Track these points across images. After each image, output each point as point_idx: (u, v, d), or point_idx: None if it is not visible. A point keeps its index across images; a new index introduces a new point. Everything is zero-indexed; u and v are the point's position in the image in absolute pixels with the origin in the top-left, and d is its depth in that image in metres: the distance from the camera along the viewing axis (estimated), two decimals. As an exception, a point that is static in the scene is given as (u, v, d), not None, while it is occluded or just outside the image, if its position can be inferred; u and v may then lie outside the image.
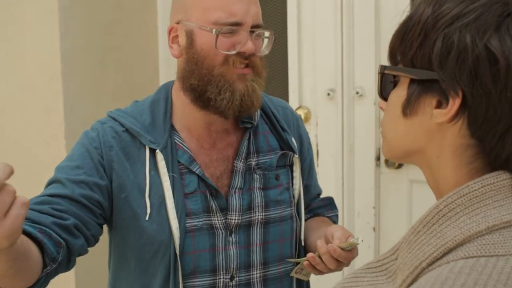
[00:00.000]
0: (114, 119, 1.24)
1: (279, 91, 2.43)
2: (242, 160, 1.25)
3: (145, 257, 1.20)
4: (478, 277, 0.64)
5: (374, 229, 2.27)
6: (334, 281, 1.95)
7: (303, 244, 1.32)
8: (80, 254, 1.16)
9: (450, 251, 0.70)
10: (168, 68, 2.65)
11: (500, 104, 0.70)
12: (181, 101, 1.24)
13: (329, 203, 1.45)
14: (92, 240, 1.18)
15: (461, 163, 0.75)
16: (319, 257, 1.17)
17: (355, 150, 2.28)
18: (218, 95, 1.17)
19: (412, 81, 0.76)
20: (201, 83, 1.18)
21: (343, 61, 2.25)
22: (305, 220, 1.39)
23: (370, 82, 2.22)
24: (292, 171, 1.31)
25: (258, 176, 1.26)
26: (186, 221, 1.19)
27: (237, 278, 1.24)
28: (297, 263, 1.26)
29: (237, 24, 1.16)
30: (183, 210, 1.18)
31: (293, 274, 1.27)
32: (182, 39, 1.21)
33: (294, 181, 1.31)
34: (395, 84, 0.80)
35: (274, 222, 1.27)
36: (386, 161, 2.20)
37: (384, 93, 0.82)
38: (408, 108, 0.77)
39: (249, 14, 1.18)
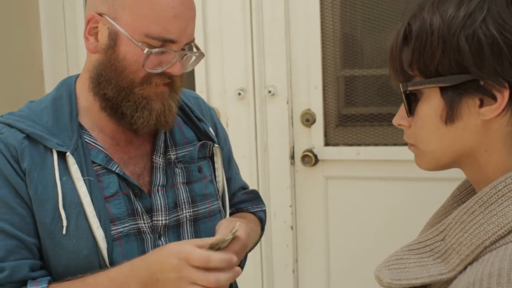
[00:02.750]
0: (9, 125, 1.08)
1: (186, 92, 2.34)
2: (161, 156, 1.17)
3: (74, 276, 1.06)
4: None
5: (291, 227, 2.27)
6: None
7: None
8: None
9: None
10: (54, 71, 2.43)
11: None
12: (88, 102, 1.12)
13: (255, 197, 1.41)
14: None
15: (510, 149, 0.77)
16: None
17: (268, 149, 2.26)
18: (135, 112, 1.08)
19: (443, 89, 0.77)
20: (117, 96, 1.08)
21: (253, 60, 2.22)
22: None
23: (282, 81, 2.21)
24: (213, 162, 1.26)
25: (179, 170, 1.18)
26: (111, 228, 1.07)
27: None
28: None
29: (171, 42, 1.06)
30: (106, 216, 1.06)
31: None
32: (103, 37, 1.07)
33: (217, 173, 1.26)
34: (416, 97, 0.81)
35: (204, 218, 1.21)
36: (303, 159, 2.22)
37: (411, 110, 0.82)
38: (451, 115, 0.77)
39: (186, 34, 1.08)
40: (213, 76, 2.30)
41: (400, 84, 0.81)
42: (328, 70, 2.20)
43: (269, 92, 2.22)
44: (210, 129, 1.26)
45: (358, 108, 2.20)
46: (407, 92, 0.80)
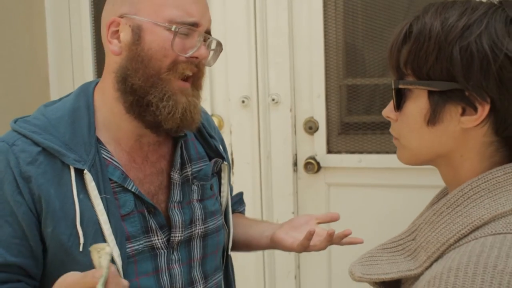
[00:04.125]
0: (25, 136, 1.06)
1: (190, 100, 2.37)
2: (178, 171, 1.17)
3: None
4: (509, 251, 0.71)
5: (294, 234, 2.29)
6: None
7: (229, 252, 1.30)
8: None
9: (477, 229, 0.77)
10: (59, 75, 2.46)
11: None
12: (108, 109, 1.12)
13: (240, 198, 1.46)
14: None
15: (483, 158, 0.82)
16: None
17: (271, 157, 2.29)
18: (160, 100, 1.07)
19: (431, 92, 0.81)
20: (144, 84, 1.07)
21: (257, 69, 2.25)
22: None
23: (285, 89, 2.24)
24: (220, 178, 1.27)
25: (196, 188, 1.20)
26: (127, 246, 1.08)
27: None
28: None
29: (194, 25, 1.09)
30: (122, 235, 1.07)
31: None
32: (126, 35, 1.08)
33: (222, 188, 1.27)
34: (405, 94, 0.85)
35: (212, 233, 1.23)
36: (305, 166, 2.24)
37: (399, 105, 0.86)
38: (434, 118, 0.82)
39: (206, 17, 1.11)
40: (217, 83, 2.33)
41: (393, 80, 0.85)
42: (331, 79, 2.22)
43: (273, 100, 2.25)
44: (220, 146, 1.28)
45: (360, 117, 2.23)
46: (398, 88, 0.85)
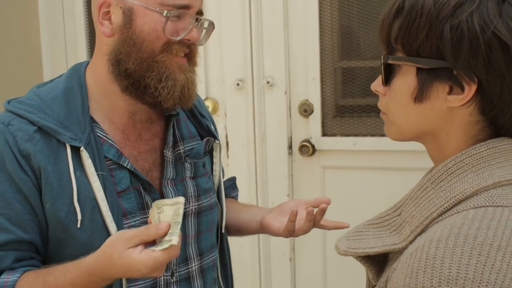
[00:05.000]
0: (20, 116, 1.06)
1: (185, 83, 2.37)
2: (170, 149, 1.19)
3: None
4: (490, 223, 0.72)
5: (289, 216, 2.30)
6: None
7: (223, 231, 1.31)
8: None
9: (459, 202, 0.78)
10: (52, 61, 2.45)
11: None
12: (101, 89, 1.13)
13: (233, 183, 1.47)
14: None
15: (468, 136, 0.82)
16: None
17: (266, 139, 2.29)
18: (158, 82, 1.08)
19: (419, 69, 0.81)
20: (139, 68, 1.08)
21: (252, 51, 2.25)
22: None
23: (280, 72, 2.24)
24: (212, 157, 1.29)
25: (189, 165, 1.22)
26: (123, 222, 1.10)
27: (177, 274, 1.18)
28: None
29: (185, 7, 1.09)
30: (119, 211, 1.09)
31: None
32: (117, 17, 1.09)
33: (214, 167, 1.29)
34: (394, 69, 0.85)
35: (206, 211, 1.24)
36: (300, 149, 2.25)
37: (387, 81, 0.86)
38: (421, 95, 0.82)
39: None
40: (212, 66, 2.32)
41: (382, 55, 0.85)
42: (325, 62, 2.22)
43: (268, 82, 2.24)
44: (211, 125, 1.29)
45: (355, 99, 2.23)
46: (387, 63, 0.85)
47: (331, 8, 2.20)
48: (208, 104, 2.30)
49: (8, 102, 1.11)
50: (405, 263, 0.75)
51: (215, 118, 2.29)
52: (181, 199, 1.03)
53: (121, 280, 1.09)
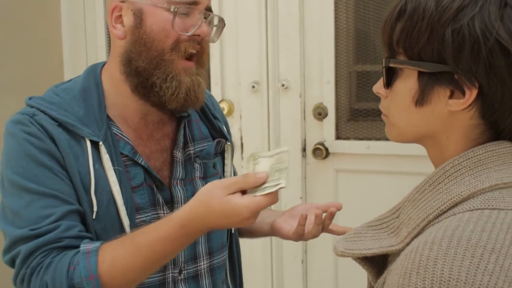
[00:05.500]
0: (43, 112, 1.10)
1: (201, 84, 2.39)
2: (181, 150, 1.21)
3: None
4: (484, 225, 0.73)
5: (301, 219, 2.31)
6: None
7: (233, 231, 1.32)
8: None
9: (456, 205, 0.78)
10: (73, 60, 2.49)
11: None
12: (115, 89, 1.16)
13: None
14: None
15: (468, 140, 0.82)
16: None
17: (281, 142, 2.30)
18: (164, 81, 1.11)
19: (421, 73, 0.81)
20: (148, 66, 1.11)
21: (268, 54, 2.26)
22: None
23: (295, 74, 2.25)
24: (223, 159, 1.31)
25: (198, 166, 1.24)
26: (135, 217, 1.13)
27: (185, 271, 1.20)
28: None
29: (194, 3, 1.11)
30: (132, 205, 1.12)
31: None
32: (128, 19, 1.12)
33: (226, 168, 1.31)
34: (396, 72, 0.85)
35: None
36: (314, 152, 2.26)
37: (389, 83, 0.86)
38: (422, 99, 0.82)
39: None
40: (228, 69, 2.34)
41: (384, 58, 0.85)
42: (340, 65, 2.23)
43: (283, 85, 2.26)
44: (224, 127, 1.31)
45: (370, 103, 2.23)
46: (388, 66, 0.85)
47: (346, 12, 2.21)
48: (224, 106, 2.33)
49: (30, 98, 1.15)
50: (399, 264, 0.75)
51: (230, 120, 2.31)
52: (285, 148, 1.02)
53: None
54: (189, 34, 1.10)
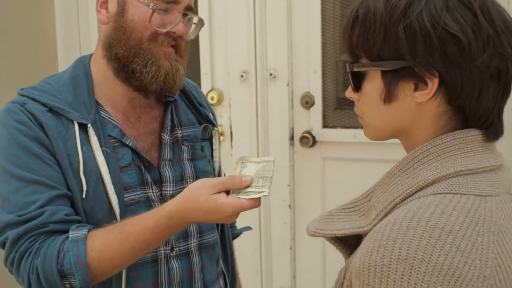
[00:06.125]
0: (33, 99, 1.16)
1: (191, 74, 2.42)
2: (168, 133, 1.27)
3: None
4: (445, 208, 0.76)
5: (289, 206, 2.35)
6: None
7: None
8: None
9: (421, 189, 0.82)
10: (66, 51, 2.53)
11: (471, 72, 0.82)
12: (102, 75, 1.23)
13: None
14: None
15: (438, 127, 0.86)
16: None
17: (269, 130, 2.34)
18: (144, 67, 1.18)
19: (384, 72, 0.86)
20: (127, 54, 1.18)
21: (256, 43, 2.30)
22: None
23: (283, 64, 2.28)
24: (211, 144, 1.37)
25: (186, 148, 1.29)
26: (124, 196, 1.18)
27: (177, 249, 1.25)
28: None
29: (173, 2, 1.18)
30: (120, 184, 1.17)
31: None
32: (113, 6, 1.20)
33: (215, 153, 1.37)
34: (362, 75, 0.89)
35: None
36: (301, 140, 2.29)
37: (356, 87, 0.91)
38: (389, 96, 0.86)
39: None
40: (217, 59, 2.38)
41: (347, 64, 0.90)
42: (327, 55, 2.26)
43: (270, 75, 2.29)
44: (210, 114, 1.38)
45: (356, 92, 2.25)
46: (353, 71, 0.89)
47: (333, 2, 2.24)
48: (213, 95, 2.36)
49: (22, 89, 1.21)
50: (363, 244, 0.79)
51: (219, 109, 2.36)
52: (271, 158, 1.11)
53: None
54: (165, 30, 1.18)
